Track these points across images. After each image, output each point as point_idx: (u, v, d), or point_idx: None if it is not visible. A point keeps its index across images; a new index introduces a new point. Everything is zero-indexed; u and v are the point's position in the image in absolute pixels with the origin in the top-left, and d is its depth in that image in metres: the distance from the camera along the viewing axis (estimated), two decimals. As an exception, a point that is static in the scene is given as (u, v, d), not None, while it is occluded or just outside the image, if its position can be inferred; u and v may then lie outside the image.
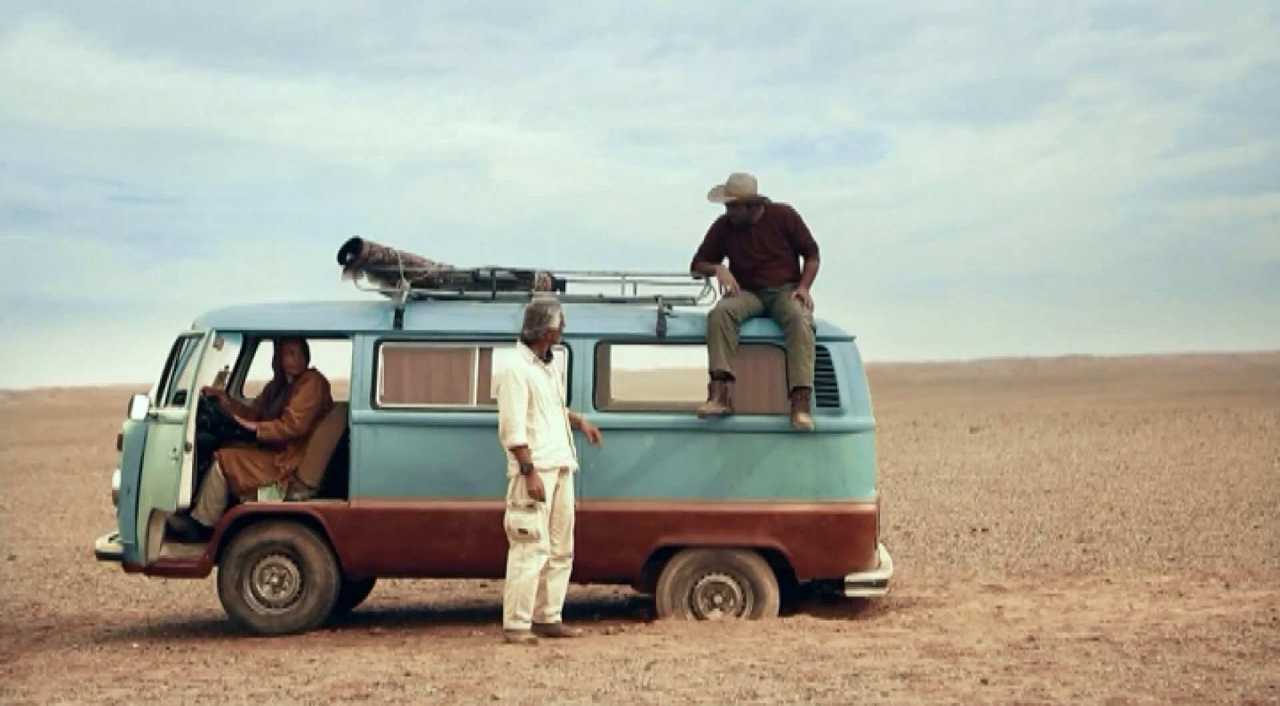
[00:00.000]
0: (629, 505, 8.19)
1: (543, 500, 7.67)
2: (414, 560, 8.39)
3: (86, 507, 16.72)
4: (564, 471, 7.84)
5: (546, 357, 7.90)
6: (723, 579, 8.19)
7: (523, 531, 7.67)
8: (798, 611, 8.25)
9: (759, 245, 8.41)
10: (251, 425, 8.57)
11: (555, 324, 7.85)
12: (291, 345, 8.74)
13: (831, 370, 8.26)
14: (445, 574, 8.85)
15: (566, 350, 8.27)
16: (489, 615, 8.88)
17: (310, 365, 8.80)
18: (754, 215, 8.44)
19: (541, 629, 7.83)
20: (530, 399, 7.69)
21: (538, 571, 7.73)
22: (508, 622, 7.73)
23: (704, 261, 8.54)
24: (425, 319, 8.44)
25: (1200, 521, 13.05)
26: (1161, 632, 7.29)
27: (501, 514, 7.79)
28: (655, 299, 8.53)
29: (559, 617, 7.91)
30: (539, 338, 7.85)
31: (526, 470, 7.64)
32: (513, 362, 7.77)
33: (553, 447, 7.77)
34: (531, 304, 7.92)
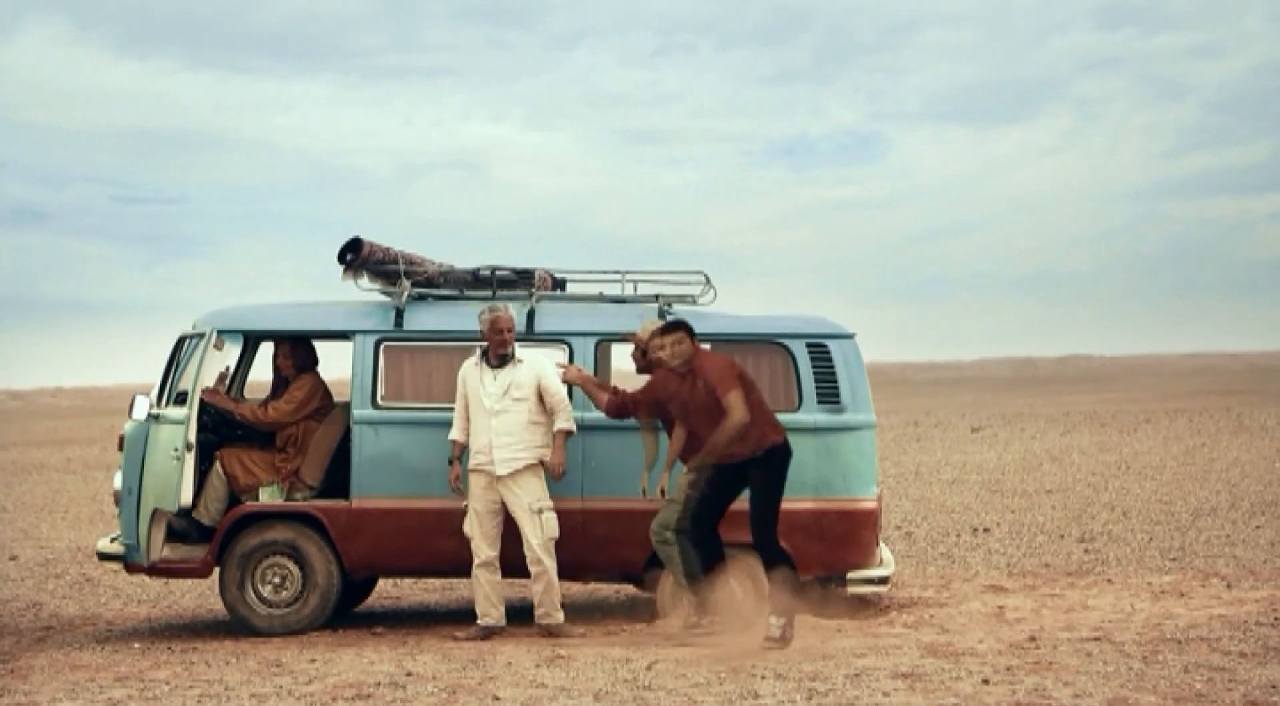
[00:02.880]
0: (630, 504, 8.18)
1: (456, 491, 7.94)
2: (415, 560, 8.39)
3: (88, 508, 16.72)
4: (492, 475, 7.88)
5: (499, 362, 7.93)
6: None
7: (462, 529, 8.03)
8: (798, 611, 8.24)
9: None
10: (230, 406, 8.61)
11: (484, 327, 7.95)
12: (283, 347, 8.76)
13: (832, 368, 8.25)
14: (447, 573, 8.84)
15: (568, 349, 8.28)
16: (490, 615, 8.88)
17: (316, 368, 8.82)
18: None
19: (543, 630, 7.92)
20: (468, 400, 7.96)
21: (477, 571, 7.95)
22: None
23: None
24: (426, 318, 8.44)
25: (1202, 521, 13.04)
26: (1163, 632, 7.28)
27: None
28: (655, 297, 8.53)
29: (557, 618, 7.95)
30: (485, 340, 7.94)
31: (449, 462, 8.00)
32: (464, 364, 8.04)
33: (474, 450, 7.92)
34: None
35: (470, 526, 7.94)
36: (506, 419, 7.87)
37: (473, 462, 7.91)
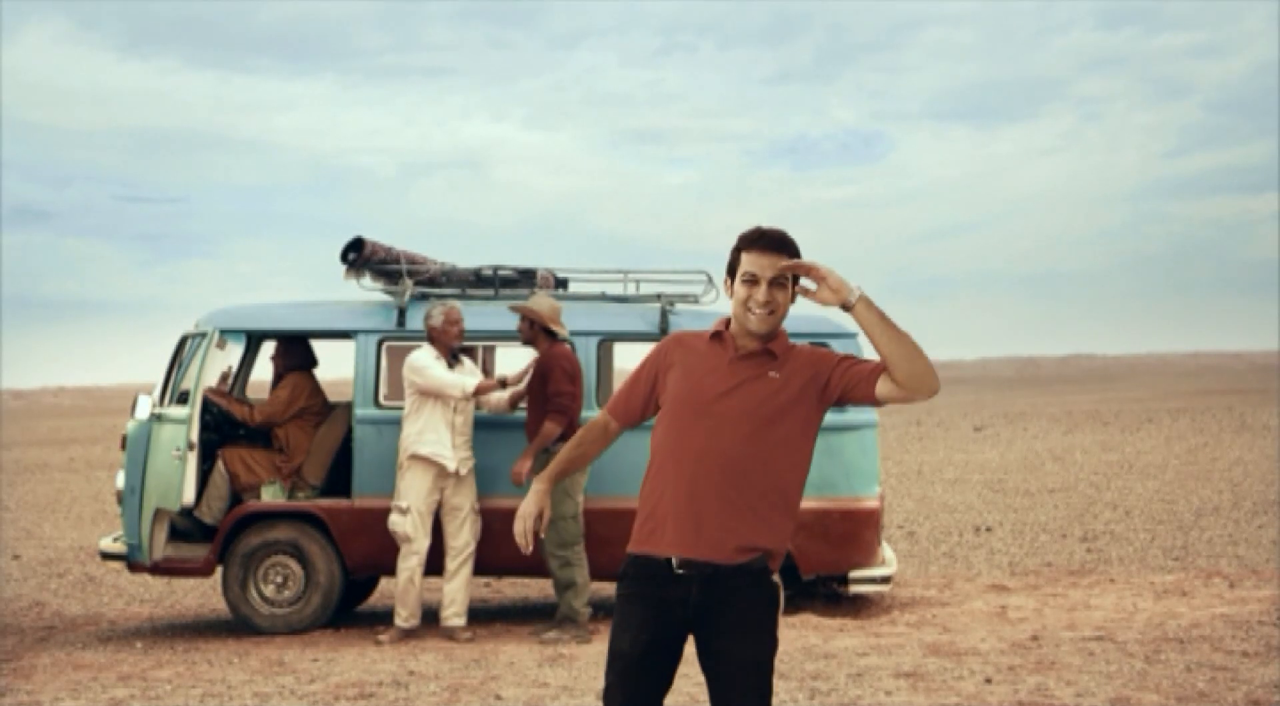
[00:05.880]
0: (632, 503, 8.14)
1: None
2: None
3: (90, 507, 16.72)
4: (445, 471, 7.88)
5: (455, 359, 7.99)
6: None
7: (395, 532, 7.96)
8: (801, 610, 8.25)
9: None
10: (226, 404, 8.62)
11: (435, 322, 7.94)
12: (278, 346, 8.81)
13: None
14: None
15: (570, 348, 8.27)
16: (491, 614, 8.88)
17: (310, 369, 8.82)
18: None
19: (444, 632, 7.93)
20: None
21: (415, 572, 7.89)
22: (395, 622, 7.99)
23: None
24: (428, 318, 8.43)
25: (1204, 520, 13.03)
26: (1165, 632, 7.28)
27: (503, 511, 7.84)
28: (657, 296, 8.53)
29: (459, 621, 7.94)
30: (431, 338, 7.95)
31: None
32: (413, 357, 7.92)
33: (425, 441, 7.91)
34: None
35: (411, 525, 7.87)
36: (465, 417, 7.94)
37: (425, 451, 7.82)
